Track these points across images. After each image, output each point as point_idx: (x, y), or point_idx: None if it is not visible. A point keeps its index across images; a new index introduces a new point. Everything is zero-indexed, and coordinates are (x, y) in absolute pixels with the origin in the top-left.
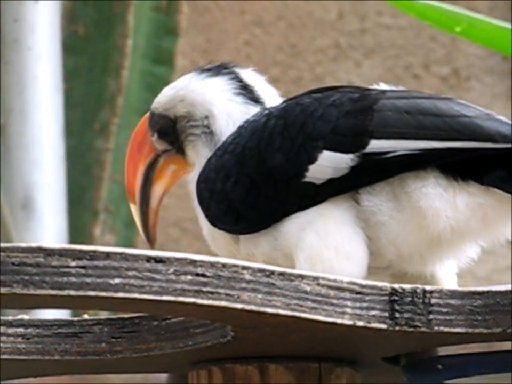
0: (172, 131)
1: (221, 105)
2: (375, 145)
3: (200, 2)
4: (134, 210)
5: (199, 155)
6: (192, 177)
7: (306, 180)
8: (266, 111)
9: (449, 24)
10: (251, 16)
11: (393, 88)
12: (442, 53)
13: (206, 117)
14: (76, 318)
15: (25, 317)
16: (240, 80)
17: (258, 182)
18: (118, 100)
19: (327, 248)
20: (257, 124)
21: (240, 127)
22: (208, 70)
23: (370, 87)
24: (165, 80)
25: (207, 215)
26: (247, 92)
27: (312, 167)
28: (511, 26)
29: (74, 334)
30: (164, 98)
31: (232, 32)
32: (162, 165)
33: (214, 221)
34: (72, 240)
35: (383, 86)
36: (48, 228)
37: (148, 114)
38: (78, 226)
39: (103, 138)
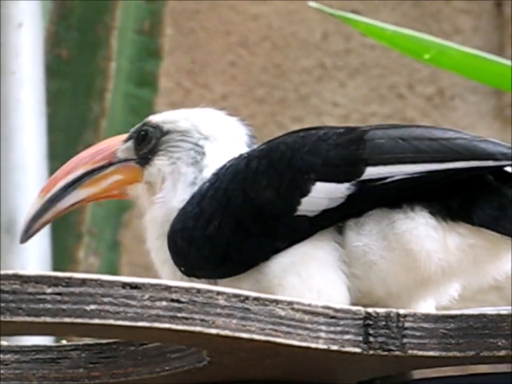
0: (156, 142)
1: (227, 137)
2: (372, 172)
3: (185, 23)
4: (36, 201)
5: (175, 171)
6: (160, 198)
7: (299, 213)
8: (245, 155)
9: (418, 51)
10: (236, 37)
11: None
12: (427, 73)
13: (206, 138)
14: (53, 344)
15: (4, 343)
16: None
17: (246, 222)
18: (101, 122)
19: (309, 291)
20: (236, 167)
21: (216, 173)
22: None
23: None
24: (148, 102)
25: (182, 266)
26: (250, 139)
27: (305, 200)
28: (482, 52)
29: (52, 360)
30: (168, 113)
31: (217, 53)
32: (108, 173)
33: (191, 270)
34: (56, 263)
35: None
36: (31, 251)
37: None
38: (62, 249)
39: None
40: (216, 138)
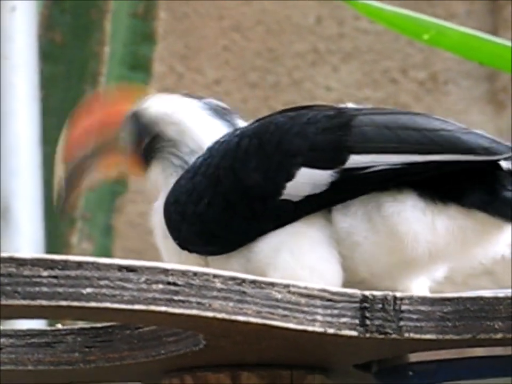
0: (149, 143)
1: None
2: (355, 160)
3: (178, 8)
4: (61, 167)
5: (168, 184)
6: (157, 205)
7: (284, 197)
8: (237, 132)
9: (417, 31)
10: (229, 22)
11: (362, 106)
12: (420, 58)
13: (191, 152)
14: (48, 328)
15: None
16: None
17: (233, 202)
18: None
19: (302, 268)
20: (229, 144)
21: (210, 148)
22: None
23: (340, 105)
24: (142, 86)
25: (176, 238)
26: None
27: (289, 184)
28: (481, 33)
29: (47, 344)
30: (160, 106)
31: (210, 38)
32: (117, 154)
33: (185, 244)
34: (49, 248)
35: (350, 105)
36: (25, 236)
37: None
38: (55, 234)
39: None
40: (201, 149)
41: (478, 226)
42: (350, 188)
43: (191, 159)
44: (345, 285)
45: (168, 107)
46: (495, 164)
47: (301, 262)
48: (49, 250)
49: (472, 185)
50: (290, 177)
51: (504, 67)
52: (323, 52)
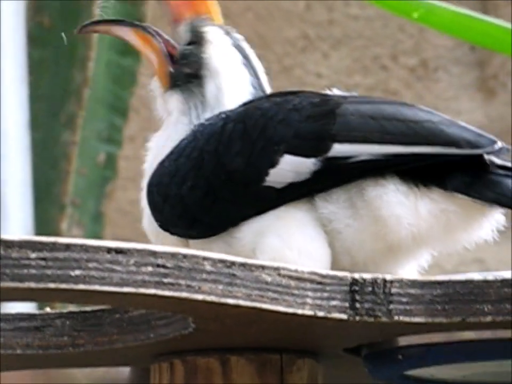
0: (189, 69)
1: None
2: (338, 149)
3: None
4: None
5: (185, 113)
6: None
7: (267, 184)
8: (223, 115)
9: (407, 10)
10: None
11: (346, 93)
12: (410, 44)
13: (213, 107)
14: (37, 312)
15: None
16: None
17: (215, 186)
18: (84, 91)
19: (290, 250)
20: (214, 127)
21: (195, 131)
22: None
23: (326, 92)
24: (131, 71)
25: (158, 220)
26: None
27: (272, 171)
28: (469, 12)
29: (36, 328)
30: (212, 28)
31: None
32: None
33: (166, 226)
34: (39, 234)
35: (336, 91)
36: (14, 221)
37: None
38: (45, 220)
39: (69, 131)
40: (222, 108)
41: (461, 210)
42: (333, 176)
43: (207, 114)
44: None
45: (222, 50)
46: (479, 157)
47: (288, 243)
48: (39, 235)
49: (455, 169)
50: (273, 164)
51: (493, 46)
52: (313, 38)
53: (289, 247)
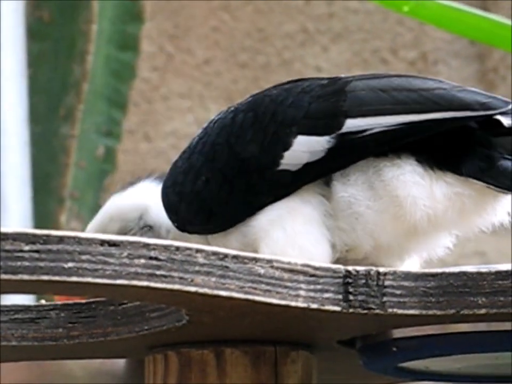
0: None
1: (151, 197)
2: (351, 124)
3: None
4: None
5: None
6: None
7: (282, 167)
8: (232, 108)
9: (397, 3)
10: (219, 2)
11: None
12: (410, 37)
13: (140, 217)
14: (32, 304)
15: None
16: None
17: (231, 177)
18: (83, 85)
19: (292, 248)
20: (224, 120)
21: (205, 128)
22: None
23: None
24: (130, 65)
25: (175, 220)
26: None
27: (287, 154)
28: (460, 6)
29: (31, 320)
30: (92, 230)
31: (199, 18)
32: None
33: (184, 225)
34: (38, 227)
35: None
36: (13, 215)
37: None
38: (44, 213)
39: (68, 125)
40: (148, 208)
41: (476, 194)
42: (348, 152)
43: (146, 219)
44: (350, 262)
45: (99, 217)
46: (495, 120)
47: (291, 241)
48: (37, 228)
49: (470, 154)
50: (287, 146)
51: (483, 39)
52: (312, 32)
53: (292, 244)
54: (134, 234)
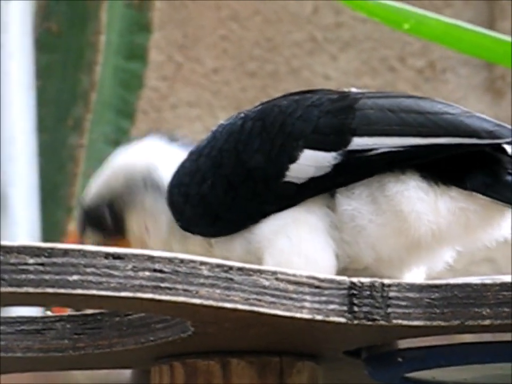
0: (108, 216)
1: (158, 154)
2: (358, 142)
3: None
4: None
5: (152, 213)
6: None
7: (287, 179)
8: (242, 114)
9: (397, 21)
10: (227, 11)
11: (365, 90)
12: (418, 46)
13: (147, 175)
14: (38, 315)
15: None
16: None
17: (236, 183)
18: (91, 95)
19: (298, 256)
20: (233, 126)
21: (214, 131)
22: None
23: (344, 90)
24: (138, 75)
25: (179, 220)
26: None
27: (293, 167)
28: (461, 23)
29: (36, 331)
30: (93, 189)
31: (208, 27)
32: None
33: (188, 226)
34: (46, 236)
35: (353, 90)
36: (21, 224)
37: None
38: (52, 222)
39: (76, 135)
40: (155, 165)
41: (480, 209)
42: (353, 170)
43: (153, 176)
44: (347, 272)
45: (100, 178)
46: (499, 147)
47: (297, 249)
48: (45, 238)
49: (475, 169)
50: (293, 159)
51: (484, 56)
52: (321, 40)
53: (298, 253)
54: (139, 195)
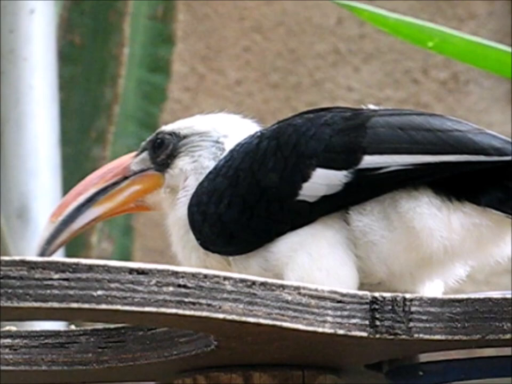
0: (173, 147)
1: (238, 129)
2: (369, 161)
3: (199, 9)
4: (47, 226)
5: (197, 167)
6: (182, 196)
7: (300, 198)
8: (258, 133)
9: (422, 39)
10: (250, 23)
11: (381, 107)
12: (441, 57)
13: (225, 136)
14: (62, 329)
15: (13, 328)
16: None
17: (251, 203)
18: (114, 108)
19: (319, 270)
20: (249, 146)
21: (232, 150)
22: None
23: (361, 106)
24: (161, 88)
25: (199, 239)
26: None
27: (305, 185)
28: (482, 40)
29: (61, 345)
30: (180, 121)
31: (231, 39)
32: (123, 187)
33: (206, 244)
34: (69, 248)
35: (371, 107)
36: None
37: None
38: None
39: (99, 147)
40: (234, 135)
41: (494, 224)
42: (365, 187)
43: (225, 140)
44: (362, 287)
45: (192, 119)
46: (509, 164)
47: (318, 264)
48: (68, 250)
49: (487, 184)
50: (306, 178)
51: (508, 74)
52: (344, 52)
53: (319, 267)
54: (203, 151)
